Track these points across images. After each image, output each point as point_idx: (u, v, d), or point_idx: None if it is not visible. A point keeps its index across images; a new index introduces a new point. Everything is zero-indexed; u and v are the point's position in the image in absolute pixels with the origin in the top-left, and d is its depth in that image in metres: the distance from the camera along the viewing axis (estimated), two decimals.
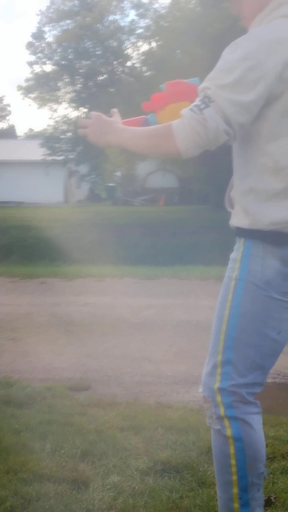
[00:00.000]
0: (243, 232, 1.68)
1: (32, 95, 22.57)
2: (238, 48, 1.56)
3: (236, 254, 1.71)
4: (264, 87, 1.53)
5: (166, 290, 7.44)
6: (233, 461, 1.68)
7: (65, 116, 23.69)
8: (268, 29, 1.60)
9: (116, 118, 1.78)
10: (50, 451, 2.63)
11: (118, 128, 1.71)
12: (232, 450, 1.67)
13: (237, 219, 1.70)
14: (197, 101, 1.56)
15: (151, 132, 1.65)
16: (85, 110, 21.67)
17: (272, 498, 2.18)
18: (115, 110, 1.81)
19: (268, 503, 2.11)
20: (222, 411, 1.68)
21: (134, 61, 20.20)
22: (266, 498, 2.06)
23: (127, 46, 20.15)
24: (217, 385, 1.69)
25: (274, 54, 1.54)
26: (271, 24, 1.62)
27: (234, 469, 1.68)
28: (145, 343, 4.90)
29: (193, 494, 2.24)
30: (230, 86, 1.52)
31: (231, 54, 1.57)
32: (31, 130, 51.69)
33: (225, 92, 1.52)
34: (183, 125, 1.54)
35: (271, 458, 2.49)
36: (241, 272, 1.67)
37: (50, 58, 21.42)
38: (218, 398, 1.69)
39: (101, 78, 20.84)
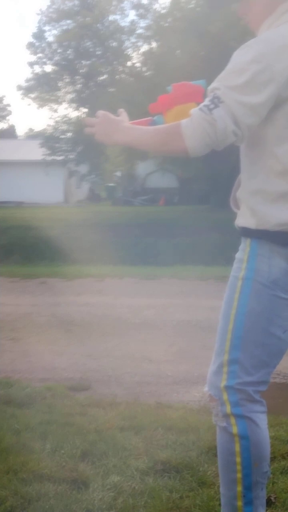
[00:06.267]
0: (249, 232, 1.69)
1: (32, 95, 22.58)
2: (249, 51, 1.58)
3: (242, 254, 1.72)
4: (273, 89, 1.55)
5: (166, 290, 7.45)
6: (238, 459, 1.68)
7: (65, 116, 23.73)
8: (278, 33, 1.62)
9: (123, 117, 1.79)
10: (50, 451, 2.63)
11: (125, 127, 1.73)
12: (237, 448, 1.68)
13: (244, 219, 1.71)
14: (206, 101, 1.57)
15: (159, 130, 1.66)
16: (85, 110, 21.68)
17: (272, 498, 2.18)
18: (122, 110, 1.83)
19: (268, 503, 2.10)
20: (228, 409, 1.69)
21: (134, 61, 20.21)
22: (266, 498, 2.05)
23: (127, 46, 20.15)
24: (223, 383, 1.70)
25: (283, 57, 1.56)
26: (281, 28, 1.64)
27: (239, 467, 1.69)
28: (145, 343, 4.90)
29: (193, 494, 2.24)
30: (239, 87, 1.54)
31: (241, 56, 1.59)
32: (31, 130, 51.74)
33: (234, 93, 1.54)
34: (192, 125, 1.56)
35: (271, 458, 2.48)
36: (248, 271, 1.68)
37: (50, 59, 21.42)
38: (225, 396, 1.70)
39: (101, 78, 20.83)
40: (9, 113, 61.56)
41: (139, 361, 4.40)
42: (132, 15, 42.40)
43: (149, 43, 18.71)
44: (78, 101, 21.94)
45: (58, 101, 23.04)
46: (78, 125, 20.27)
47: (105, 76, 20.57)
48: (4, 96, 66.38)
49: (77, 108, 22.86)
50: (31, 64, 21.80)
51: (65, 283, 8.18)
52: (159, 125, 1.80)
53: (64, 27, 20.46)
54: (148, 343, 4.90)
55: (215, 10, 13.36)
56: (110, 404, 3.35)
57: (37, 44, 21.43)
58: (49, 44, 21.27)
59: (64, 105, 25.77)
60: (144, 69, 18.60)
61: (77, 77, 21.32)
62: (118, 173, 29.19)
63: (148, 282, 8.09)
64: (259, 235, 1.67)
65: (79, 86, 21.59)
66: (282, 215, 1.63)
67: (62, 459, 2.54)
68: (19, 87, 22.39)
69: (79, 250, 10.59)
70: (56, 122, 23.64)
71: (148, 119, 1.86)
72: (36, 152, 24.36)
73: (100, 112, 1.77)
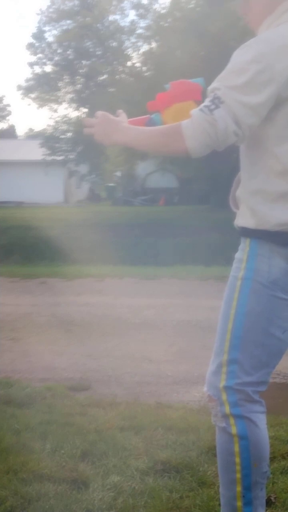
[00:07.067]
0: (249, 232, 1.69)
1: (32, 95, 22.59)
2: (248, 50, 1.58)
3: (241, 254, 1.72)
4: (273, 89, 1.55)
5: (166, 290, 7.44)
6: (237, 459, 1.68)
7: (65, 116, 23.74)
8: (278, 33, 1.62)
9: (122, 118, 1.79)
10: (50, 451, 2.63)
11: (124, 127, 1.73)
12: (237, 448, 1.68)
13: (243, 219, 1.71)
14: (206, 102, 1.57)
15: (160, 131, 1.66)
16: (85, 110, 21.69)
17: (272, 498, 2.18)
18: (121, 110, 1.83)
19: (268, 503, 2.10)
20: (227, 409, 1.69)
21: (134, 61, 20.21)
22: (266, 498, 2.05)
23: (127, 46, 20.16)
24: (222, 383, 1.70)
25: (283, 57, 1.56)
26: (281, 27, 1.64)
27: (238, 467, 1.69)
28: (145, 343, 4.90)
29: (193, 494, 2.24)
30: (240, 87, 1.54)
31: (241, 56, 1.59)
32: (31, 130, 51.77)
33: (235, 94, 1.54)
34: (192, 125, 1.56)
35: (271, 458, 2.48)
36: (248, 271, 1.68)
37: (50, 59, 21.44)
38: (224, 396, 1.70)
39: (101, 78, 20.83)
40: (9, 113, 61.66)
41: (139, 361, 4.40)
42: (132, 15, 42.41)
43: (149, 43, 18.72)
44: (78, 101, 21.95)
45: (58, 101, 23.07)
46: (78, 125, 20.26)
47: (105, 76, 20.57)
48: (4, 96, 66.46)
49: (77, 108, 22.89)
50: (31, 65, 21.85)
51: (65, 283, 8.17)
52: (157, 123, 1.80)
53: (64, 27, 20.48)
54: (148, 343, 4.90)
55: (215, 8, 13.36)
56: (110, 404, 3.34)
57: (37, 44, 21.46)
58: (49, 44, 21.29)
59: (64, 105, 25.86)
60: (144, 69, 18.60)
61: (77, 77, 21.34)
62: (118, 173, 29.19)
63: (148, 282, 8.09)
64: (259, 235, 1.67)
65: (79, 86, 21.61)
66: (282, 215, 1.63)
67: (62, 459, 2.54)
68: (19, 87, 22.42)
69: (79, 250, 10.60)
70: (56, 122, 23.66)
71: (146, 117, 1.86)
72: (36, 152, 24.36)
73: (99, 113, 1.77)
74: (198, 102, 1.75)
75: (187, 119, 1.58)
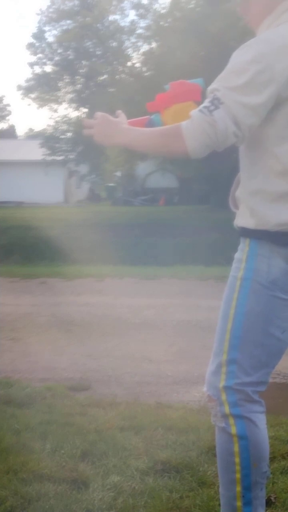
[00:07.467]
0: (248, 232, 1.69)
1: (32, 95, 22.59)
2: (248, 50, 1.58)
3: (241, 254, 1.72)
4: (273, 90, 1.55)
5: (166, 290, 7.44)
6: (237, 459, 1.69)
7: (65, 116, 23.76)
8: (278, 33, 1.62)
9: (121, 118, 1.79)
10: (50, 451, 2.63)
11: (124, 128, 1.73)
12: (236, 448, 1.68)
13: (243, 220, 1.71)
14: (206, 102, 1.57)
15: (159, 132, 1.67)
16: (85, 110, 21.69)
17: (272, 498, 2.18)
18: (120, 111, 1.83)
19: (268, 503, 2.11)
20: (227, 409, 1.69)
21: (134, 61, 20.20)
22: (266, 498, 2.05)
23: (127, 46, 20.14)
24: (222, 383, 1.70)
25: (283, 57, 1.56)
26: (280, 27, 1.64)
27: (238, 467, 1.69)
28: (145, 343, 4.90)
29: (193, 494, 2.24)
30: (240, 88, 1.54)
31: (241, 56, 1.58)
32: (31, 130, 51.80)
33: (235, 94, 1.54)
34: (192, 126, 1.56)
35: (271, 458, 2.48)
36: (247, 271, 1.68)
37: (50, 59, 21.44)
38: (223, 396, 1.70)
39: (101, 78, 20.83)
40: (9, 113, 61.71)
41: (139, 361, 4.40)
42: (132, 15, 42.44)
43: (149, 43, 18.70)
44: (78, 101, 21.94)
45: (58, 101, 23.06)
46: (78, 125, 20.28)
47: (105, 76, 20.56)
48: (4, 96, 66.49)
49: (77, 108, 22.89)
50: (31, 65, 21.84)
51: (65, 283, 8.17)
52: (157, 123, 1.80)
53: (64, 27, 20.46)
54: (148, 343, 4.90)
55: (215, 6, 13.35)
56: (110, 404, 3.34)
57: (37, 44, 21.45)
58: (49, 45, 21.27)
59: (64, 105, 25.83)
60: (144, 69, 18.59)
61: (77, 77, 21.33)
62: (118, 173, 29.17)
63: (148, 282, 8.09)
64: (258, 235, 1.67)
65: (79, 86, 21.60)
66: (282, 215, 1.63)
67: (62, 459, 2.54)
68: (19, 87, 22.41)
69: (79, 250, 10.59)
70: (56, 122, 23.69)
71: (146, 118, 1.87)
72: (36, 152, 24.37)
73: (99, 114, 1.77)
74: (198, 103, 1.75)
75: (187, 119, 1.58)
